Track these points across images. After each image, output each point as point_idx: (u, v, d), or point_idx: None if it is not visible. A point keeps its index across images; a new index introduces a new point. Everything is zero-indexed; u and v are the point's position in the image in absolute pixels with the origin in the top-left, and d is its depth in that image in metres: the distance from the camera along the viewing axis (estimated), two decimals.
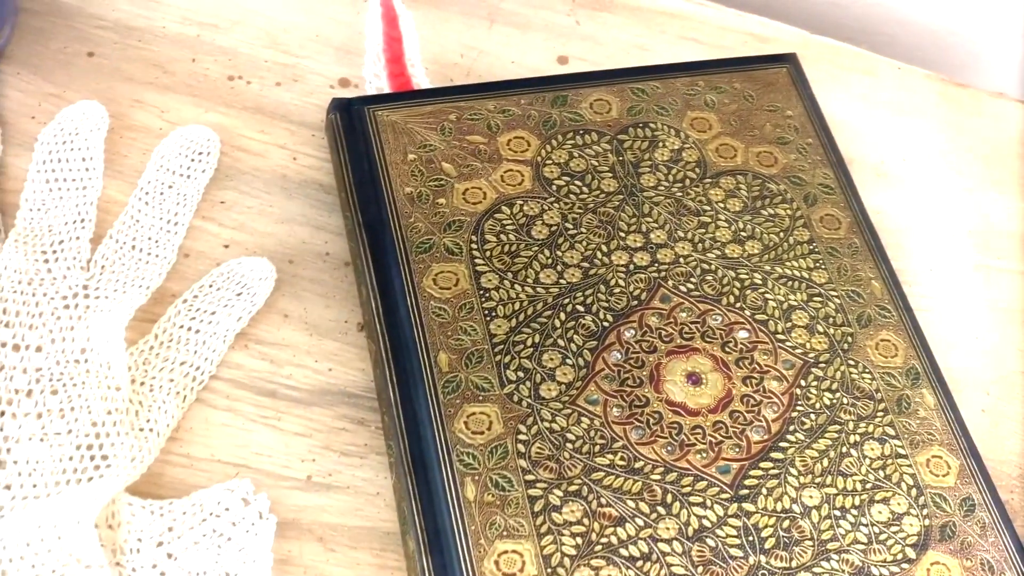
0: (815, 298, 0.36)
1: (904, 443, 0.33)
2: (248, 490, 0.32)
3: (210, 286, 0.35)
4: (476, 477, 0.31)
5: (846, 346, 0.35)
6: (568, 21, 0.45)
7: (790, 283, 0.36)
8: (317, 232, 0.37)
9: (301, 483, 0.33)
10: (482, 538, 0.30)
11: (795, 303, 0.36)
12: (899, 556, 0.31)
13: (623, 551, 0.30)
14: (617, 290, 0.36)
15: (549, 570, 0.29)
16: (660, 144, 0.39)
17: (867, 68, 0.46)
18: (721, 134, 0.40)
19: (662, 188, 0.38)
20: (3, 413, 0.31)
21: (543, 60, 0.43)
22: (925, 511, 0.32)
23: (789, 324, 0.35)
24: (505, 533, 0.30)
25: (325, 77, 0.40)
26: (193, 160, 0.37)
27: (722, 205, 0.38)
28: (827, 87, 0.45)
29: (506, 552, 0.29)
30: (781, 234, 0.37)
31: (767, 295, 0.36)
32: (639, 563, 0.30)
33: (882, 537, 0.32)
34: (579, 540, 0.30)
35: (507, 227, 0.37)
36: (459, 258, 0.35)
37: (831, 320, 0.36)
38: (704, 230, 0.37)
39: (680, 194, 0.38)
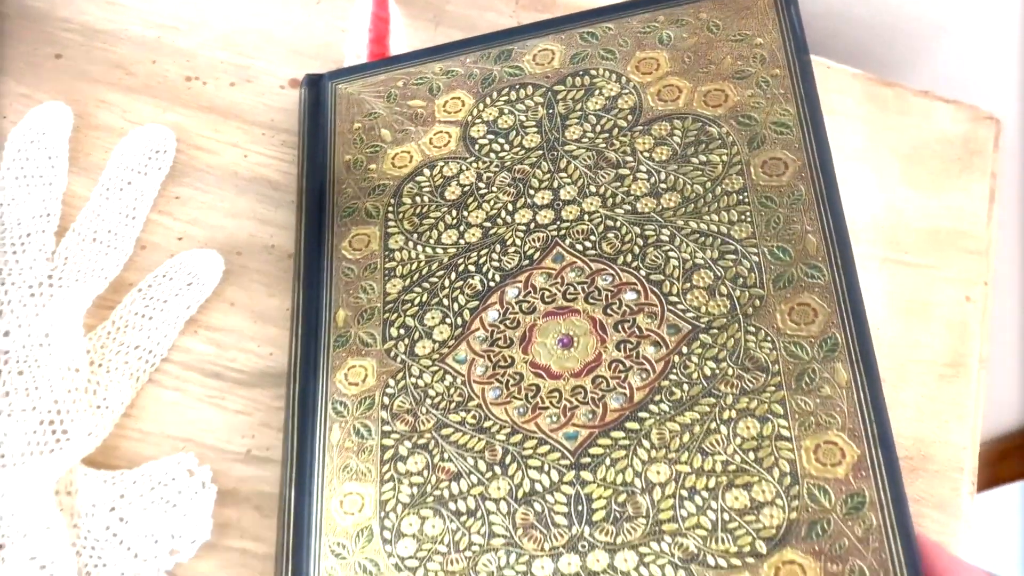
0: (728, 256, 0.33)
1: (792, 424, 0.30)
2: (193, 463, 0.36)
3: (164, 276, 0.39)
4: (343, 424, 0.34)
5: (750, 310, 0.32)
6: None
7: (702, 239, 0.34)
8: (264, 226, 0.40)
9: (241, 457, 0.36)
10: (335, 478, 0.33)
11: (701, 262, 0.33)
12: (746, 549, 0.29)
13: (452, 505, 0.31)
14: (512, 249, 0.35)
15: (383, 513, 0.32)
16: (596, 92, 0.37)
17: None
18: (668, 74, 0.37)
19: (585, 140, 0.37)
20: None
21: None
22: (795, 503, 0.29)
23: (688, 285, 0.33)
24: (354, 476, 0.33)
25: (276, 77, 0.43)
26: (151, 158, 0.40)
27: (647, 155, 0.36)
28: None
29: (350, 493, 0.32)
30: (708, 184, 0.35)
31: (670, 253, 0.34)
32: (463, 518, 0.31)
33: (731, 526, 0.29)
34: (415, 490, 0.32)
35: (424, 189, 0.37)
36: (375, 221, 0.37)
37: (741, 281, 0.33)
38: (620, 183, 0.35)
39: (604, 145, 0.36)
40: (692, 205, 0.34)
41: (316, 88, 0.41)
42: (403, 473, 0.32)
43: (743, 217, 0.34)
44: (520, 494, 0.31)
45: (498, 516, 0.31)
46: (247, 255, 0.39)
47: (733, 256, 0.33)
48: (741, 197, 0.34)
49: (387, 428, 0.33)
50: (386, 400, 0.34)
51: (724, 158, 0.35)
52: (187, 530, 0.34)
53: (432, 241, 0.36)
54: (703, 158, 0.35)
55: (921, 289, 0.44)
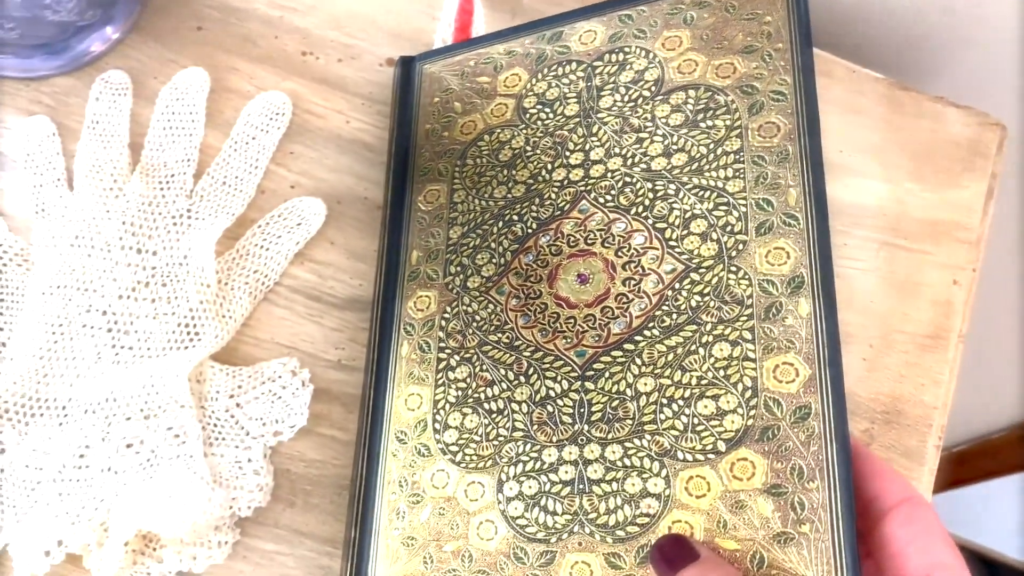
0: (721, 207, 0.37)
1: (757, 348, 0.35)
2: (295, 365, 0.45)
3: (279, 216, 0.47)
4: (410, 341, 0.42)
5: (734, 253, 0.36)
6: None
7: (702, 193, 0.38)
8: (359, 181, 0.49)
9: (333, 364, 0.45)
10: (402, 383, 0.41)
11: (699, 212, 0.38)
12: (709, 447, 0.34)
13: (486, 405, 0.39)
14: (548, 202, 0.41)
15: (435, 410, 0.40)
16: (627, 67, 0.42)
17: (825, 69, 0.54)
18: (689, 50, 0.42)
19: (615, 109, 0.41)
20: (130, 297, 0.44)
21: None
22: (752, 412, 0.34)
23: (685, 232, 0.38)
24: (416, 381, 0.41)
25: (376, 56, 0.51)
26: (271, 119, 0.49)
27: (664, 121, 0.40)
28: None
29: (413, 394, 0.41)
30: (711, 145, 0.39)
31: (675, 205, 0.38)
32: (493, 415, 0.38)
33: (699, 428, 0.35)
34: (460, 393, 0.39)
35: (483, 152, 0.44)
36: (444, 179, 0.45)
37: (729, 228, 0.37)
38: (639, 146, 0.40)
39: (629, 113, 0.41)
40: (696, 164, 0.38)
41: (407, 67, 0.49)
42: (451, 380, 0.40)
43: (737, 174, 0.37)
44: (538, 398, 0.38)
45: (519, 415, 0.38)
46: (345, 204, 0.48)
47: (725, 207, 0.37)
48: (738, 156, 0.38)
49: (442, 344, 0.41)
50: (443, 323, 0.41)
51: (727, 122, 0.39)
52: (288, 417, 0.43)
53: (486, 195, 0.43)
54: (709, 123, 0.39)
55: (914, 270, 0.50)
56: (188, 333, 0.44)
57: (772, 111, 0.39)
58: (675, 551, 0.32)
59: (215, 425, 0.43)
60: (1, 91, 0.48)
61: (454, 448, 0.39)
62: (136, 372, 0.42)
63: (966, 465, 0.85)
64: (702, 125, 0.39)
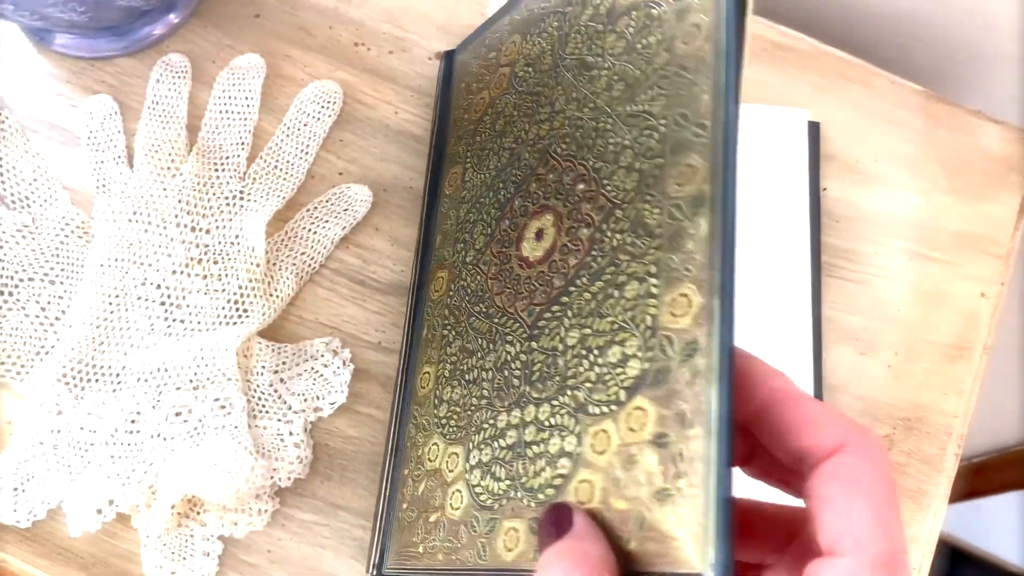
0: (646, 131, 0.33)
1: (660, 282, 0.30)
2: (337, 345, 0.46)
3: (327, 201, 0.49)
4: (428, 322, 0.43)
5: (651, 180, 0.32)
6: None
7: (632, 120, 0.34)
8: (405, 171, 0.50)
9: (374, 345, 0.47)
10: (419, 363, 0.43)
11: (627, 142, 0.33)
12: (613, 398, 0.30)
13: (467, 376, 0.38)
14: (524, 164, 0.39)
15: (437, 387, 0.40)
16: (588, 4, 0.38)
17: (865, 79, 0.55)
18: None
19: (576, 52, 0.38)
20: (183, 272, 0.46)
21: None
22: (650, 354, 0.29)
23: (616, 167, 0.34)
24: (428, 360, 0.42)
25: (426, 50, 0.53)
26: (323, 107, 0.51)
27: (611, 52, 0.36)
28: (827, 92, 0.55)
29: (425, 373, 0.42)
30: (643, 66, 0.34)
31: (610, 139, 0.34)
32: (471, 386, 0.38)
33: (606, 377, 0.31)
34: (451, 367, 0.40)
35: (486, 126, 0.43)
36: (461, 160, 0.45)
37: (650, 153, 0.32)
38: (591, 85, 0.36)
39: (585, 52, 0.37)
40: (631, 91, 0.34)
41: (449, 61, 0.50)
42: (448, 355, 0.40)
43: (661, 91, 0.32)
44: (499, 364, 0.36)
45: (486, 382, 0.37)
46: (391, 192, 0.50)
47: (649, 131, 0.33)
48: (664, 72, 0.33)
49: (445, 322, 0.42)
50: (447, 299, 0.42)
51: (658, 37, 0.34)
52: (328, 395, 0.45)
53: (485, 169, 0.42)
54: (644, 42, 0.34)
55: (943, 281, 0.51)
56: (237, 309, 0.46)
57: (697, 11, 0.32)
58: (553, 522, 0.29)
59: (259, 398, 0.45)
60: (67, 70, 0.50)
61: (443, 421, 0.39)
62: (187, 344, 0.44)
63: (984, 477, 0.86)
64: (639, 46, 0.34)
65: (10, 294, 0.46)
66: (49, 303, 0.46)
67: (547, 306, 0.34)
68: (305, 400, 0.45)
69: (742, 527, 0.30)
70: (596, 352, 0.31)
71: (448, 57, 0.50)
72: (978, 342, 0.50)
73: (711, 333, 0.27)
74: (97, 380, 0.44)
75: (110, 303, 0.45)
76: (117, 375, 0.44)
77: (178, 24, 0.52)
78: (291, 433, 0.44)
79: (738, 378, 0.27)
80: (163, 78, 0.50)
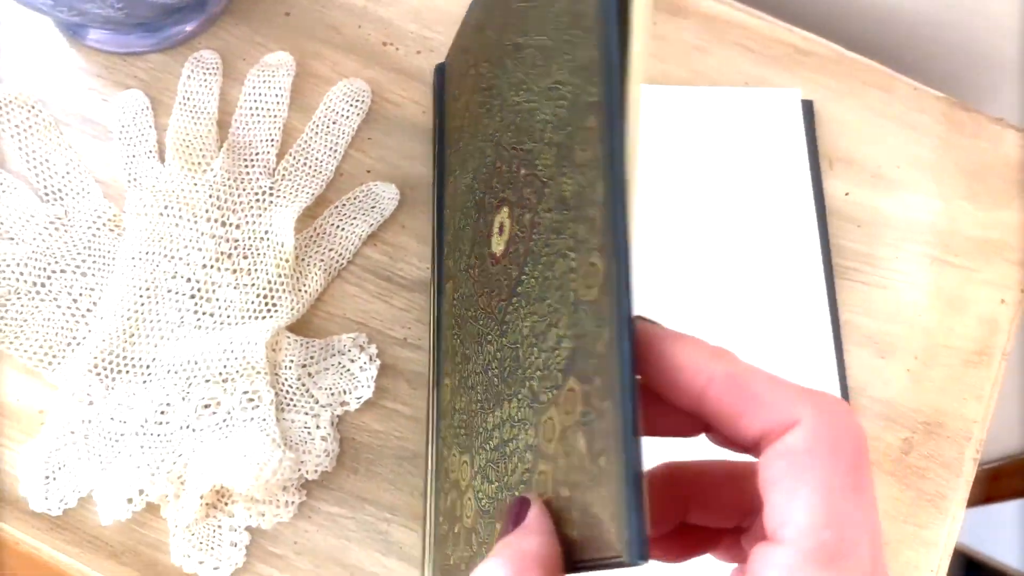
0: (559, 102, 0.30)
1: (577, 254, 0.28)
2: (364, 341, 0.47)
3: (354, 199, 0.50)
4: (444, 333, 0.43)
5: (565, 151, 0.29)
6: None
7: (549, 93, 0.31)
8: (432, 170, 0.51)
9: (400, 342, 0.47)
10: (442, 375, 0.42)
11: (548, 116, 0.31)
12: (554, 383, 0.28)
13: (468, 381, 0.38)
14: (487, 160, 0.38)
15: (452, 399, 0.40)
16: None
17: (886, 85, 0.56)
18: None
19: (510, 36, 0.36)
20: (213, 267, 0.47)
21: None
22: (574, 331, 0.27)
23: (542, 144, 0.31)
24: (446, 372, 0.42)
25: None
26: (351, 105, 0.51)
27: (532, 28, 0.34)
28: (849, 97, 0.55)
29: (445, 385, 0.42)
30: (555, 34, 0.31)
31: (538, 117, 0.32)
32: (471, 391, 0.36)
33: (549, 362, 0.29)
34: (459, 376, 0.39)
35: (465, 131, 0.43)
36: (452, 171, 0.45)
37: (562, 123, 0.30)
38: (523, 66, 0.34)
39: (517, 33, 0.35)
40: (548, 62, 0.32)
41: (442, 74, 0.50)
42: (456, 364, 0.40)
43: (567, 55, 0.30)
44: (485, 365, 0.35)
45: (480, 386, 0.36)
46: (418, 190, 0.50)
47: (560, 101, 0.30)
48: (568, 35, 0.30)
49: (453, 332, 0.41)
50: (454, 310, 0.42)
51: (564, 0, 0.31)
52: (355, 389, 0.46)
53: (465, 173, 0.42)
54: (553, 9, 0.32)
55: (962, 287, 0.52)
56: (266, 304, 0.46)
57: None
58: (511, 516, 0.27)
59: (287, 392, 0.45)
60: (100, 65, 0.51)
61: (457, 431, 0.39)
62: (216, 338, 0.45)
63: (1001, 482, 0.86)
64: (550, 16, 0.32)
65: (43, 285, 0.46)
66: (81, 295, 0.46)
67: (509, 300, 0.33)
68: (332, 394, 0.46)
69: (697, 491, 0.28)
70: (541, 338, 0.29)
71: (440, 70, 0.51)
72: (997, 348, 0.51)
73: (615, 302, 0.25)
74: (128, 371, 0.45)
75: (141, 296, 0.46)
76: (147, 367, 0.45)
77: (209, 21, 0.52)
78: (318, 427, 0.45)
79: (672, 364, 0.25)
80: (194, 74, 0.51)
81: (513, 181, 0.34)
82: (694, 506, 0.29)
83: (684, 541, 0.29)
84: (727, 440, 0.26)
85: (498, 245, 0.35)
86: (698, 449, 0.28)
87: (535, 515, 0.27)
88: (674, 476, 0.29)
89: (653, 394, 0.26)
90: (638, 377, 0.25)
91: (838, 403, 0.24)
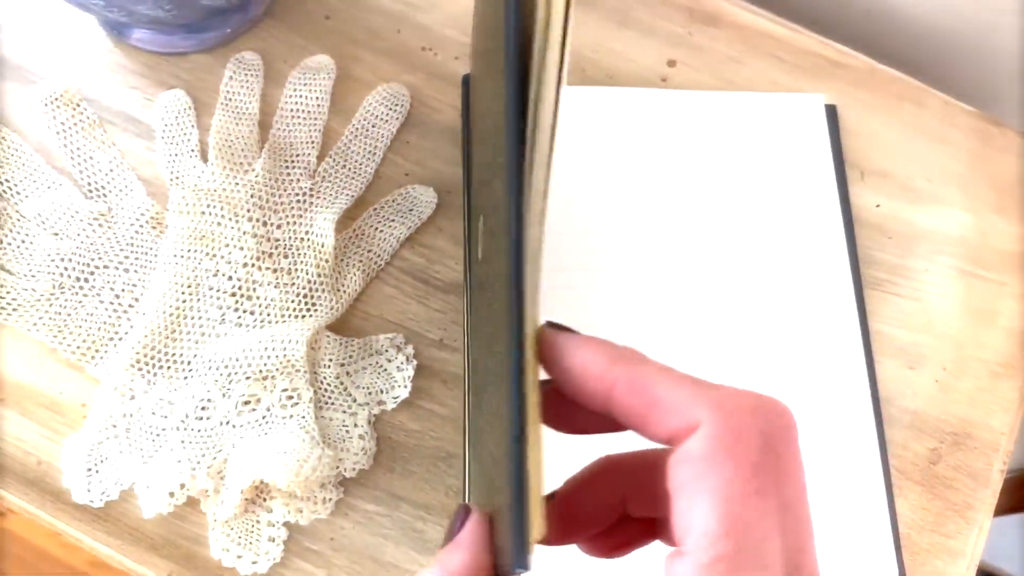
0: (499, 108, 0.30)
1: (497, 260, 0.29)
2: (401, 341, 0.48)
3: (393, 201, 0.50)
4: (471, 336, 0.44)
5: (498, 155, 0.30)
6: (683, 32, 0.57)
7: (496, 99, 0.31)
8: (463, 175, 0.52)
9: (436, 343, 0.48)
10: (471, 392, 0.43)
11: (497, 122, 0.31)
12: (499, 390, 0.28)
13: (478, 395, 0.37)
14: (480, 168, 0.38)
15: (474, 414, 0.40)
16: None
17: (918, 98, 0.56)
18: None
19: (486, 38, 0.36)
20: (254, 266, 0.48)
21: (655, 61, 0.56)
22: (504, 337, 0.27)
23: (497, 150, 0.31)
24: (473, 389, 0.42)
25: None
26: (390, 109, 0.52)
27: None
28: (881, 110, 0.56)
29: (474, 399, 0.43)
30: (495, 13, 0.32)
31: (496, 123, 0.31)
32: (481, 405, 0.36)
33: (500, 367, 0.28)
34: (473, 384, 0.40)
35: (477, 141, 0.43)
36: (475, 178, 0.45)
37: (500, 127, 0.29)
38: (496, 71, 0.31)
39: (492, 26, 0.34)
40: (494, 67, 0.31)
41: (467, 86, 0.51)
42: (474, 370, 0.41)
43: (496, 55, 0.30)
44: (475, 372, 0.36)
45: (483, 393, 0.34)
46: (455, 194, 0.51)
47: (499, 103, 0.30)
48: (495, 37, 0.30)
49: (473, 336, 0.43)
50: (473, 322, 0.43)
51: None
52: (392, 389, 0.47)
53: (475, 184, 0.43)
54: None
55: (991, 300, 0.52)
56: (305, 303, 0.47)
57: None
58: (451, 526, 0.27)
59: (326, 390, 0.46)
60: (143, 64, 0.52)
61: (474, 445, 0.40)
62: (257, 335, 0.46)
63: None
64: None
65: (86, 280, 0.47)
66: (123, 290, 0.47)
67: (490, 305, 0.32)
68: (369, 393, 0.46)
69: (634, 482, 0.28)
70: (495, 341, 0.29)
71: (466, 81, 0.52)
72: None
73: (505, 308, 0.25)
74: (169, 367, 0.46)
75: (182, 293, 0.47)
76: (188, 363, 0.46)
77: (251, 23, 0.53)
78: (356, 425, 0.45)
79: (578, 371, 0.25)
80: (236, 75, 0.52)
81: (482, 188, 0.35)
82: (632, 498, 0.28)
83: (627, 533, 0.29)
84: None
85: (480, 252, 0.36)
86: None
87: (468, 528, 0.26)
88: (612, 469, 0.29)
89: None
90: (548, 381, 0.25)
91: (740, 399, 0.23)
